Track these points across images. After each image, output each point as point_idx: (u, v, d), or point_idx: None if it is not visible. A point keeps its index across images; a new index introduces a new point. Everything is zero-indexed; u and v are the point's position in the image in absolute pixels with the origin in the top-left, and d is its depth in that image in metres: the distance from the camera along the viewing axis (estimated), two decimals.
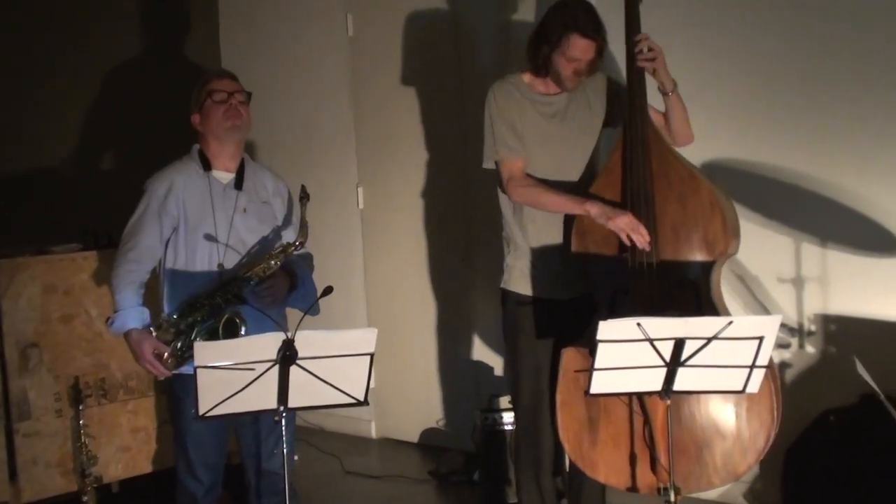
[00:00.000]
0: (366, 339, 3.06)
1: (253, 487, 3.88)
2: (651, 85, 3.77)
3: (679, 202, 3.60)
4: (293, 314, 3.93)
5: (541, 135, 3.83)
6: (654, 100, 3.83)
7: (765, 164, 4.48)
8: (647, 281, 3.57)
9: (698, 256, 3.59)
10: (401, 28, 5.73)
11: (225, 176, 3.78)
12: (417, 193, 5.78)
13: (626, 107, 3.73)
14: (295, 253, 3.67)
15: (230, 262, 3.70)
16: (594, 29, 3.69)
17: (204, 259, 3.69)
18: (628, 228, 3.56)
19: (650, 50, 3.68)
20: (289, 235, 3.81)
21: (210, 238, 3.68)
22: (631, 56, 3.72)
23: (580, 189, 3.79)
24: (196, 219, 3.69)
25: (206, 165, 3.75)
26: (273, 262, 3.63)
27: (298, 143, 6.29)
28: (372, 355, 3.07)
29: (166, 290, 3.72)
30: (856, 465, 4.06)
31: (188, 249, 3.69)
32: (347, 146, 6.12)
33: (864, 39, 4.22)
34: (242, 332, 3.50)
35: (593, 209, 3.63)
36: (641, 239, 3.56)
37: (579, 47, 3.68)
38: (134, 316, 3.62)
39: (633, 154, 3.64)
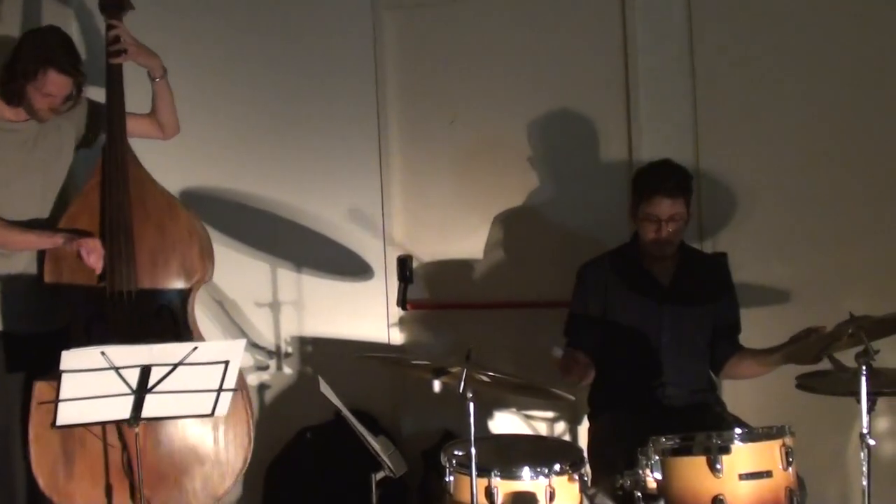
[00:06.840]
0: None
1: None
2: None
3: (157, 230, 3.64)
4: None
5: (14, 164, 3.68)
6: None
7: (242, 192, 4.63)
8: (125, 309, 3.56)
9: (176, 284, 3.65)
10: None
11: None
12: None
13: (106, 129, 3.69)
14: None
15: None
16: (72, 64, 3.56)
17: None
18: (88, 247, 3.49)
19: (118, 41, 3.68)
20: None
21: None
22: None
23: (58, 214, 3.70)
24: None
25: None
26: None
27: None
28: None
29: None
30: (331, 476, 4.31)
31: None
32: None
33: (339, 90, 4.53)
34: None
35: (61, 240, 3.56)
36: (94, 257, 3.50)
37: (56, 83, 3.56)
38: None
39: (112, 180, 3.62)
